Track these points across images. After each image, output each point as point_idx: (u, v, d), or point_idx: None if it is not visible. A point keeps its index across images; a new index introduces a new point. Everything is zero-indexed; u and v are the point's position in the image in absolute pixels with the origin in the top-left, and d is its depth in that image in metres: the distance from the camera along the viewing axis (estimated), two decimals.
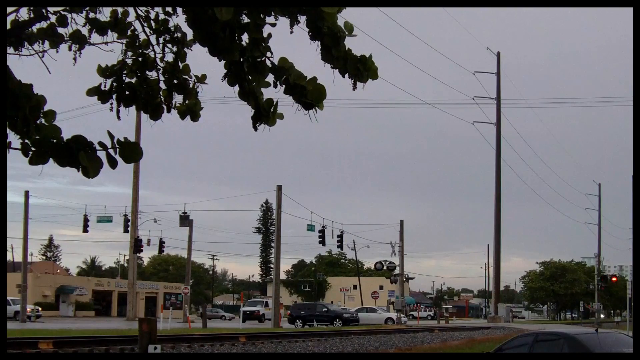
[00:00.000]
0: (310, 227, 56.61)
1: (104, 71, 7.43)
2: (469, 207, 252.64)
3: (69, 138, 6.08)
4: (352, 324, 57.81)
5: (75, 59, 7.44)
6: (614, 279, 77.89)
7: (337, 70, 6.85)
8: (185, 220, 60.60)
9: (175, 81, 7.58)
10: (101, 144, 6.09)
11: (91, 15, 7.32)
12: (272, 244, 77.85)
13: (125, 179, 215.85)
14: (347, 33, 6.72)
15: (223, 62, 6.90)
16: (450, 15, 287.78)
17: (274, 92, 7.02)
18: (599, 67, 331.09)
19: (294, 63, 6.92)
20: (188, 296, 65.32)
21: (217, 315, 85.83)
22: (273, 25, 6.80)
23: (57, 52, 7.36)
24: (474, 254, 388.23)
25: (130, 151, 6.17)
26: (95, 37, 7.45)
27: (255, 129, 7.08)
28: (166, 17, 7.39)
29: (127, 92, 7.48)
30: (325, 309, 61.38)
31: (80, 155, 6.01)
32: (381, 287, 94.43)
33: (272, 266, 74.73)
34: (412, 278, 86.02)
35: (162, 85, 7.60)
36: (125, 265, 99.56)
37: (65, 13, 7.17)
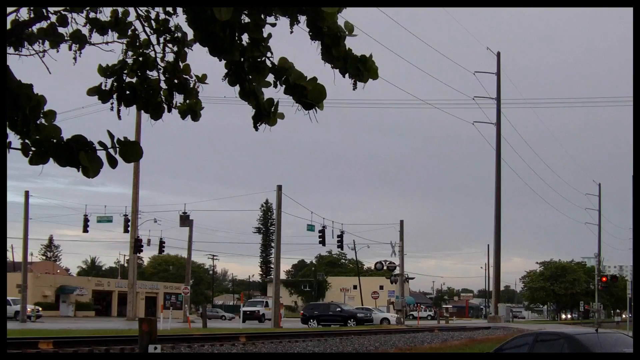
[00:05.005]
0: (310, 227, 56.58)
1: (104, 71, 7.42)
2: (469, 207, 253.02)
3: (69, 138, 6.08)
4: (366, 324, 57.68)
5: (75, 58, 7.44)
6: (614, 279, 77.84)
7: (338, 70, 6.85)
8: (185, 220, 60.61)
9: (175, 81, 7.57)
10: (101, 143, 6.09)
11: (91, 15, 7.32)
12: (272, 244, 77.84)
13: (125, 179, 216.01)
14: (347, 33, 6.72)
15: (223, 62, 6.90)
16: (451, 15, 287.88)
17: (274, 92, 7.03)
18: (598, 67, 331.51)
19: (294, 63, 6.92)
20: (188, 296, 65.29)
21: (217, 315, 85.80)
22: (273, 25, 6.80)
23: (57, 52, 7.36)
24: (474, 254, 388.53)
25: (131, 150, 6.17)
26: (95, 37, 7.45)
27: (256, 128, 7.08)
28: (166, 17, 7.39)
29: (127, 92, 7.47)
30: (339, 309, 61.22)
31: (80, 155, 6.00)
32: (381, 287, 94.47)
33: (272, 266, 74.73)
34: (412, 278, 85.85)
35: (163, 85, 7.59)
36: (126, 265, 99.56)
37: (66, 13, 7.17)
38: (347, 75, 6.87)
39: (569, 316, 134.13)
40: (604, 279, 73.05)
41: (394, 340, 31.03)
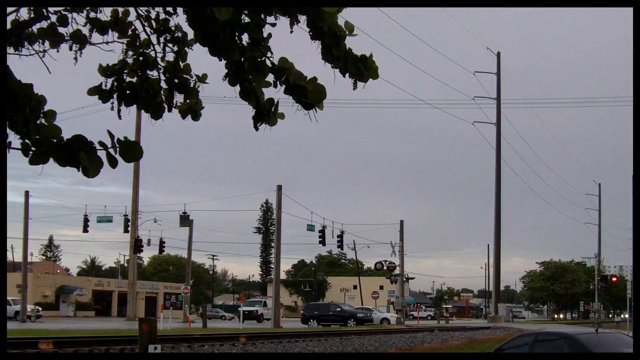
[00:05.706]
0: (310, 227, 56.58)
1: (104, 71, 7.43)
2: (469, 207, 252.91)
3: (69, 138, 6.08)
4: (366, 324, 57.65)
5: (76, 58, 7.44)
6: (614, 279, 77.85)
7: (338, 70, 6.85)
8: (185, 220, 60.60)
9: (176, 80, 7.57)
10: (101, 143, 6.09)
11: (92, 14, 7.32)
12: (272, 244, 77.81)
13: (125, 179, 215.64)
14: (347, 33, 6.71)
15: (223, 62, 6.90)
16: (450, 15, 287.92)
17: (273, 92, 7.03)
18: (598, 67, 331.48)
19: (294, 63, 6.92)
20: (188, 296, 65.27)
21: (217, 315, 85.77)
22: (273, 25, 6.79)
23: (58, 52, 7.35)
24: (474, 254, 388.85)
25: (131, 150, 6.17)
26: (95, 37, 7.45)
27: (257, 128, 7.08)
28: (166, 16, 7.39)
29: (128, 92, 7.47)
30: (339, 309, 61.23)
31: (80, 155, 6.00)
32: (381, 287, 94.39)
33: (272, 266, 74.68)
34: (412, 278, 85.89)
35: (163, 85, 7.60)
36: (126, 265, 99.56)
37: (66, 13, 7.17)
38: (347, 75, 6.87)
39: (562, 316, 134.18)
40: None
41: (394, 340, 31.02)
